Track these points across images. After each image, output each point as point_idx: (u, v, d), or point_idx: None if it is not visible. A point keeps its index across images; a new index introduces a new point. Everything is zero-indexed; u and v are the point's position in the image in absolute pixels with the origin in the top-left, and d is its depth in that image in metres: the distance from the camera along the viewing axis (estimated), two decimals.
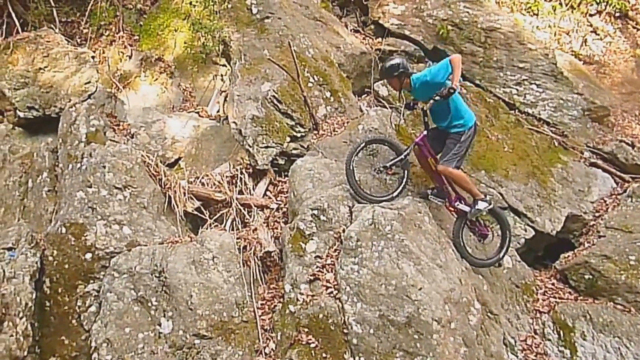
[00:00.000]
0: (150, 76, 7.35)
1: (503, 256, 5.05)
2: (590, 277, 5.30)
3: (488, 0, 7.88)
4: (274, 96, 5.96)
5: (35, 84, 6.43)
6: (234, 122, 5.90)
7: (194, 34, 7.13)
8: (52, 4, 7.48)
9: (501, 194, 5.98)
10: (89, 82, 6.62)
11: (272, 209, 5.54)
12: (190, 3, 7.39)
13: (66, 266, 4.81)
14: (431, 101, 4.62)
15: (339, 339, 4.18)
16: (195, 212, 5.45)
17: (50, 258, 4.85)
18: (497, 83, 7.06)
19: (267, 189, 5.78)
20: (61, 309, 4.73)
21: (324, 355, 4.16)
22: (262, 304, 4.71)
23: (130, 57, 7.51)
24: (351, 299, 4.23)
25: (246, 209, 5.48)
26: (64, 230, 4.90)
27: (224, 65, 7.24)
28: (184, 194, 5.41)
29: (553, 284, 5.49)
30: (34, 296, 4.59)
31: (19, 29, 7.09)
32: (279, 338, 4.42)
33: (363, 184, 4.92)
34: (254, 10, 6.75)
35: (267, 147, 5.76)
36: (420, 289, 4.13)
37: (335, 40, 7.21)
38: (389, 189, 5.04)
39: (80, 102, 6.09)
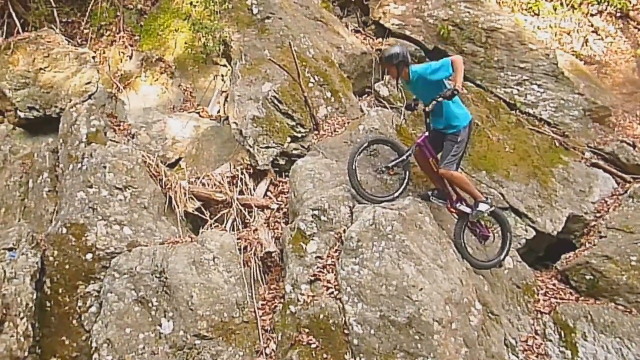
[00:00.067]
0: (150, 76, 7.35)
1: (504, 258, 5.05)
2: (592, 277, 5.29)
3: (489, 0, 7.87)
4: (274, 96, 5.96)
5: (35, 84, 6.43)
6: (235, 123, 5.90)
7: (194, 34, 7.13)
8: (53, 4, 7.48)
9: (502, 195, 5.97)
10: (90, 83, 6.63)
11: (273, 209, 5.54)
12: (191, 3, 7.39)
13: (67, 266, 4.81)
14: (433, 102, 4.62)
15: (340, 340, 4.17)
16: (196, 213, 5.45)
17: (51, 258, 4.86)
18: (498, 83, 7.05)
19: (267, 189, 5.78)
20: (62, 310, 4.74)
21: (324, 355, 4.16)
22: (262, 305, 4.70)
23: (130, 57, 7.51)
24: (352, 299, 4.23)
25: (247, 209, 5.48)
26: (64, 230, 4.90)
27: (224, 66, 7.24)
28: (185, 194, 5.41)
29: (554, 285, 5.48)
30: (34, 296, 4.59)
31: (20, 29, 7.09)
32: (279, 338, 4.42)
33: (364, 184, 4.91)
34: (255, 11, 6.75)
35: (267, 147, 5.76)
36: (421, 289, 4.12)
37: (335, 40, 7.21)
38: (389, 190, 5.04)
39: (80, 103, 6.09)
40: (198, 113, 6.96)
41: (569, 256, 5.69)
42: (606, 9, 8.67)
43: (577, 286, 5.38)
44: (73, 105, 6.04)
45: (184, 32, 7.44)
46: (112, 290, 4.56)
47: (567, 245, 6.00)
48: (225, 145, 6.35)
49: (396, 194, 4.88)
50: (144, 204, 5.15)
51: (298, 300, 4.40)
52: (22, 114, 6.38)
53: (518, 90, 7.03)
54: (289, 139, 5.88)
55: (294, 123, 5.94)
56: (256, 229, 5.16)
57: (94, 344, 4.43)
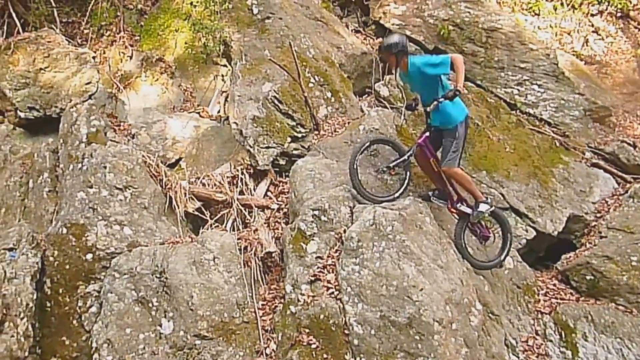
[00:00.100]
0: (150, 76, 7.35)
1: (504, 258, 5.05)
2: (592, 277, 5.29)
3: (489, 1, 7.87)
4: (274, 96, 5.96)
5: (36, 84, 6.43)
6: (235, 123, 5.90)
7: (194, 34, 7.13)
8: (53, 4, 7.48)
9: (502, 195, 5.96)
10: (90, 83, 6.62)
11: (273, 209, 5.54)
12: (191, 3, 7.38)
13: (67, 267, 4.81)
14: (435, 102, 4.61)
15: (340, 340, 4.17)
16: (196, 213, 5.45)
17: (51, 258, 4.85)
18: (499, 83, 7.04)
19: (267, 190, 5.77)
20: (62, 310, 4.73)
21: (324, 356, 4.16)
22: (262, 305, 4.70)
23: (130, 57, 7.51)
24: (352, 299, 4.23)
25: (247, 210, 5.48)
26: (64, 230, 4.90)
27: (224, 66, 7.24)
28: (185, 194, 5.41)
29: (554, 285, 5.48)
30: (34, 297, 4.59)
31: (20, 30, 7.09)
32: (279, 339, 4.42)
33: (365, 184, 4.91)
34: (255, 11, 6.74)
35: (267, 147, 5.76)
36: (421, 289, 4.12)
37: (336, 40, 7.21)
38: (390, 190, 5.03)
39: (81, 103, 6.08)
40: (198, 113, 6.96)
41: (570, 256, 5.69)
42: (607, 9, 8.66)
43: (577, 286, 5.38)
44: (73, 105, 6.04)
45: (184, 32, 7.44)
46: (112, 290, 4.56)
47: (568, 246, 6.00)
48: (226, 146, 6.35)
49: (397, 194, 4.88)
50: (144, 204, 5.14)
51: (298, 300, 4.40)
52: (22, 114, 6.38)
53: (518, 90, 7.02)
54: (289, 139, 5.88)
55: (294, 123, 5.94)
56: (256, 229, 5.16)
57: (94, 344, 4.43)
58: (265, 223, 5.33)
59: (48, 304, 4.75)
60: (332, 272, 4.45)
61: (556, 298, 5.28)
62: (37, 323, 4.64)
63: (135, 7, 7.85)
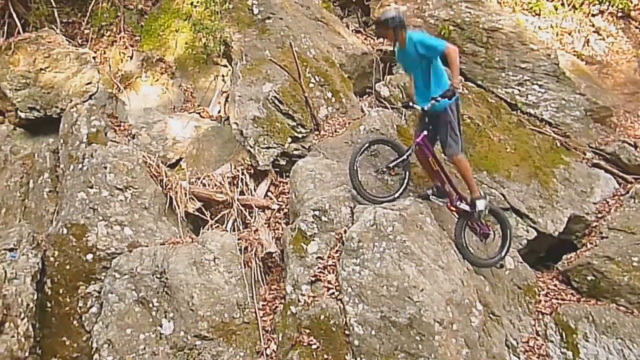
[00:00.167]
0: (151, 77, 7.35)
1: (505, 255, 5.04)
2: (593, 278, 5.28)
3: (490, 1, 7.86)
4: (275, 97, 5.96)
5: (36, 84, 6.43)
6: (235, 123, 5.90)
7: (195, 35, 7.13)
8: (53, 4, 7.48)
9: (503, 195, 5.95)
10: (90, 83, 6.62)
11: (274, 209, 5.53)
12: (192, 3, 7.38)
13: (67, 267, 4.80)
14: (432, 101, 4.61)
15: (341, 340, 4.17)
16: (197, 213, 5.45)
17: (52, 259, 4.85)
18: (499, 83, 7.03)
19: (268, 190, 5.77)
20: (62, 310, 4.73)
21: (325, 356, 4.15)
22: (263, 305, 4.70)
23: (131, 57, 7.51)
24: (352, 300, 4.22)
25: (247, 210, 5.47)
26: (65, 231, 4.90)
27: (225, 66, 7.23)
28: (185, 194, 5.41)
29: (555, 285, 5.46)
30: (35, 297, 4.59)
31: (20, 30, 7.10)
32: (280, 339, 4.41)
33: (365, 184, 4.91)
34: (255, 11, 6.74)
35: (268, 147, 5.75)
36: (422, 290, 4.11)
37: (336, 40, 7.20)
38: (390, 190, 5.03)
39: (81, 103, 6.09)
40: (199, 113, 6.96)
41: (571, 257, 5.68)
42: (607, 9, 8.65)
43: (578, 287, 5.37)
44: (74, 105, 6.04)
45: (184, 32, 7.43)
46: (112, 290, 4.56)
47: (569, 246, 5.98)
48: (226, 146, 6.34)
49: (397, 194, 4.87)
50: (144, 205, 5.14)
51: (299, 300, 4.39)
52: (22, 115, 6.38)
53: (519, 90, 7.01)
54: (289, 140, 5.87)
55: (294, 123, 5.94)
56: (257, 230, 5.15)
57: (94, 345, 4.42)
58: (265, 223, 5.33)
59: (48, 305, 4.75)
60: (333, 272, 4.44)
61: (557, 299, 5.27)
62: (38, 323, 4.64)
63: (136, 7, 7.85)
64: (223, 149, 6.34)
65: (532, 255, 5.97)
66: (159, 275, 4.56)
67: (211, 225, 5.35)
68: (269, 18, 6.66)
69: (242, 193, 5.64)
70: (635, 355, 4.75)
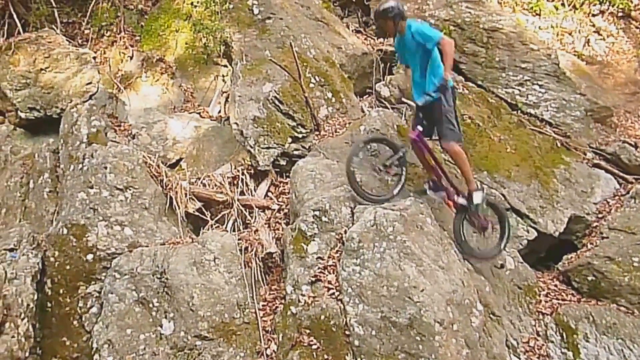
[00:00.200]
0: (151, 77, 7.35)
1: (504, 246, 5.04)
2: (593, 278, 5.27)
3: (490, 1, 7.86)
4: (275, 97, 5.95)
5: (36, 84, 6.43)
6: (236, 123, 5.90)
7: (195, 35, 7.12)
8: (54, 4, 7.48)
9: (503, 195, 5.95)
10: (90, 83, 6.62)
11: (274, 210, 5.53)
12: (192, 4, 7.39)
13: (67, 267, 4.80)
14: (427, 97, 4.62)
15: (341, 341, 4.16)
16: (197, 213, 5.45)
17: (52, 259, 4.85)
18: (500, 83, 7.02)
19: (268, 190, 5.77)
20: (62, 310, 4.73)
21: (325, 356, 4.15)
22: (263, 305, 4.70)
23: (131, 57, 7.51)
24: (353, 300, 4.22)
25: (247, 210, 5.47)
26: (65, 231, 4.89)
27: (225, 66, 7.23)
28: (185, 194, 5.40)
29: (556, 286, 5.46)
30: (35, 297, 4.59)
31: (21, 30, 7.10)
32: (280, 339, 4.41)
33: (364, 184, 4.90)
34: (256, 11, 6.74)
35: (268, 147, 5.75)
36: (422, 290, 4.11)
37: (336, 40, 7.20)
38: (390, 189, 5.02)
39: (81, 103, 6.09)
40: (199, 113, 6.96)
41: (571, 257, 5.67)
42: (608, 9, 8.64)
43: (578, 287, 5.36)
44: (74, 105, 6.04)
45: (184, 32, 7.43)
46: (113, 291, 4.56)
47: (569, 246, 5.98)
48: (226, 146, 6.34)
49: (395, 192, 4.86)
50: (144, 205, 5.14)
51: (299, 301, 4.39)
52: (22, 115, 6.38)
53: (519, 90, 7.00)
54: (289, 140, 5.87)
55: (294, 123, 5.93)
56: (257, 230, 5.15)
57: (94, 345, 4.42)
58: (265, 223, 5.33)
59: (49, 305, 4.75)
60: (333, 272, 4.44)
61: (557, 299, 5.26)
62: (38, 324, 4.64)
63: (136, 8, 7.85)
64: (223, 149, 6.34)
65: (532, 256, 5.97)
66: (159, 276, 4.56)
67: (211, 226, 5.35)
68: (269, 18, 6.66)
69: (242, 193, 5.64)
70: (635, 355, 4.74)
